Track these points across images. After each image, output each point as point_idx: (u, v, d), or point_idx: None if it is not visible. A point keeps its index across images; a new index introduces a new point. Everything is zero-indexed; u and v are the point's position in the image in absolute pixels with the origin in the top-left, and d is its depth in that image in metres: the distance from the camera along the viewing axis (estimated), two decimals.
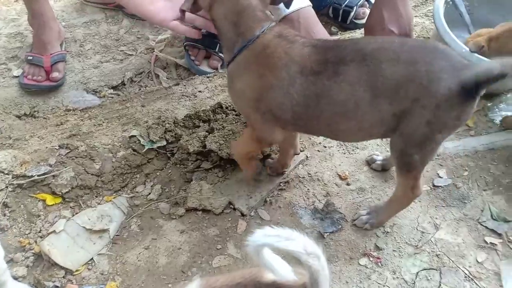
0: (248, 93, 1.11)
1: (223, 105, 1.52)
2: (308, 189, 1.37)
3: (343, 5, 1.98)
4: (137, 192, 1.37)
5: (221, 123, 1.44)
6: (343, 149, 1.48)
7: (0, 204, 1.23)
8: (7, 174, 1.26)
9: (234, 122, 1.45)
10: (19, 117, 1.66)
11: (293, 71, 1.04)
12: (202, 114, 1.49)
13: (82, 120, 1.55)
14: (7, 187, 1.24)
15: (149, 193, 1.36)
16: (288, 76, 1.04)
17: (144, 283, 1.16)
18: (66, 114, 1.59)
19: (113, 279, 1.17)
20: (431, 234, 1.26)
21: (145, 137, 1.40)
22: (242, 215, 1.31)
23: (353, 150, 1.48)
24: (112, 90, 1.82)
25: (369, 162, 1.44)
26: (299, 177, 1.40)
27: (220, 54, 1.85)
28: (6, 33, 1.97)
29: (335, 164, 1.43)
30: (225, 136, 1.38)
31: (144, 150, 1.39)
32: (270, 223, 1.30)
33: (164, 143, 1.42)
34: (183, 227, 1.29)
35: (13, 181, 1.26)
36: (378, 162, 1.42)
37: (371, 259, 1.22)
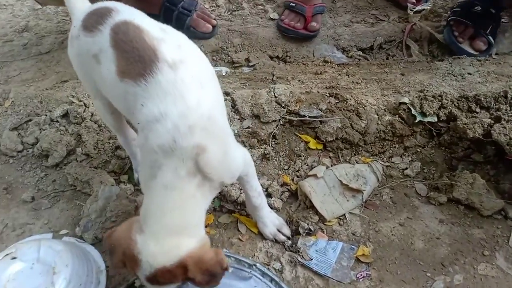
0: None
1: (509, 95, 1.28)
2: None
3: None
4: (393, 162, 1.27)
5: (510, 114, 1.22)
6: None
7: (271, 134, 1.27)
8: (283, 107, 1.28)
9: None
10: (271, 58, 1.71)
11: None
12: (482, 99, 1.28)
13: (340, 74, 1.50)
14: (280, 119, 1.27)
15: (406, 168, 1.25)
16: None
17: (397, 260, 1.07)
18: (325, 65, 1.57)
19: (365, 244, 1.10)
20: None
21: (417, 108, 1.27)
22: None
23: None
24: (360, 52, 1.75)
25: None
26: None
27: (489, 37, 1.63)
28: None
29: None
30: None
31: (415, 121, 1.26)
32: None
33: (435, 119, 1.27)
34: (442, 217, 1.15)
35: (286, 115, 1.27)
36: None
37: None
